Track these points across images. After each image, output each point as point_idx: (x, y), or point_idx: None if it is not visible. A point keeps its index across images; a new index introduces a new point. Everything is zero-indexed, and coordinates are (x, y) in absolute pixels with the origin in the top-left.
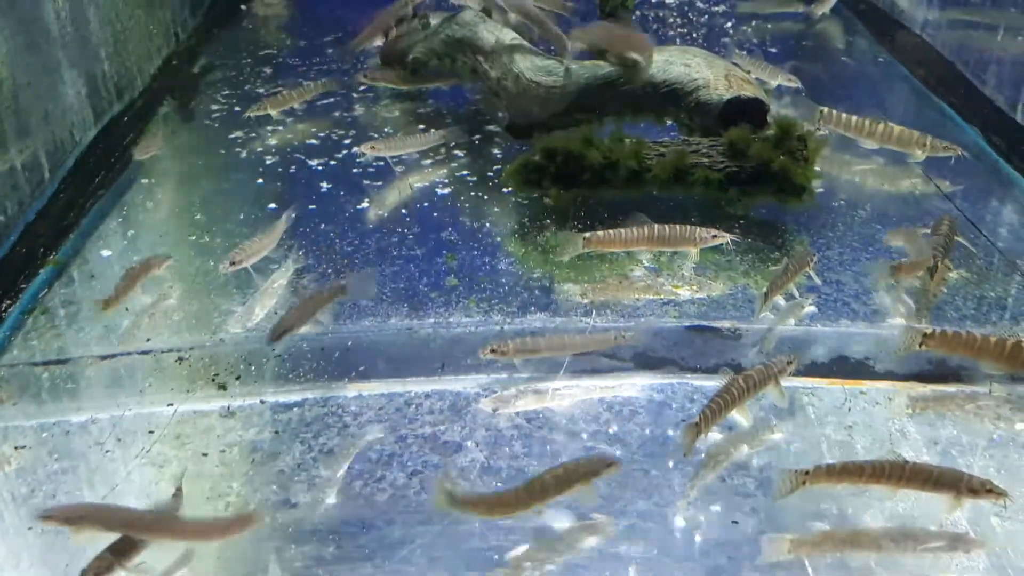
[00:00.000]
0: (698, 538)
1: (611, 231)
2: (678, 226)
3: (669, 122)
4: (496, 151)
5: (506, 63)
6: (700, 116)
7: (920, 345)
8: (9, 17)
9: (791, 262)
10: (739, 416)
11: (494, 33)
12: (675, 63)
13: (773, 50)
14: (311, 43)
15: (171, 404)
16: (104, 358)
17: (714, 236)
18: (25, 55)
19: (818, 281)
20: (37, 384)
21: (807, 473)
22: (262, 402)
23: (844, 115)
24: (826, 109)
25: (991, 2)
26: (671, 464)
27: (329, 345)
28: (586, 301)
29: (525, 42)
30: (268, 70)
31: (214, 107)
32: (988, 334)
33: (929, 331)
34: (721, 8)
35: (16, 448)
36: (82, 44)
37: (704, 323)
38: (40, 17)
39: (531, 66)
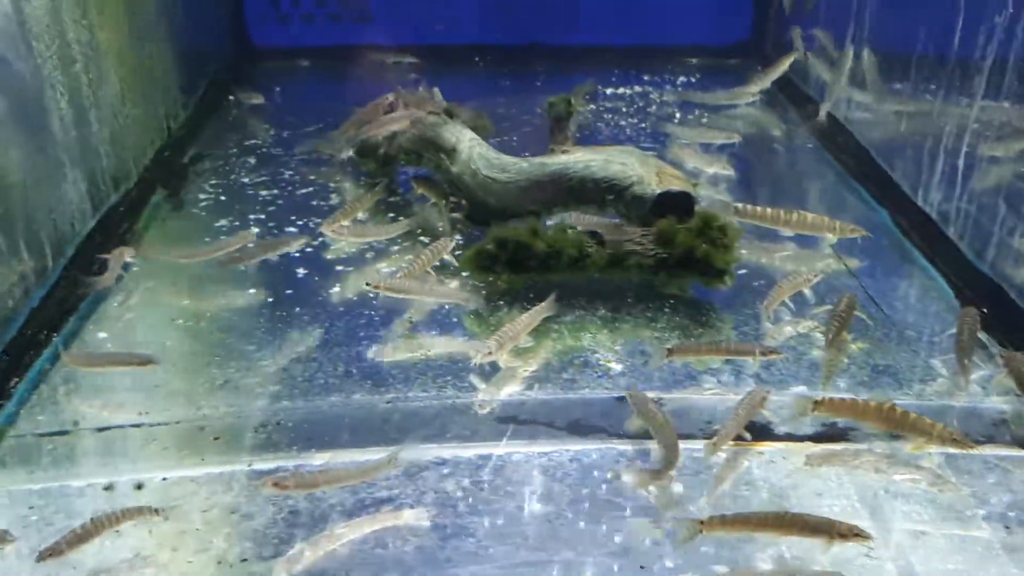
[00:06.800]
0: None
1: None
2: None
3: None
4: (459, 237)
5: (465, 160)
6: (636, 208)
7: (812, 411)
8: (21, 127)
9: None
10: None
11: (455, 134)
12: (613, 162)
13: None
14: (294, 133)
15: (161, 471)
16: (101, 430)
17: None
18: (34, 159)
19: None
20: (41, 453)
21: (703, 522)
22: (242, 470)
23: (759, 208)
24: (740, 204)
25: (895, 93)
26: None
27: (299, 419)
28: (527, 373)
29: (482, 141)
30: (252, 160)
31: (202, 196)
32: (869, 399)
33: (819, 398)
34: (670, 98)
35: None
36: (83, 144)
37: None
38: (46, 125)
39: (487, 164)
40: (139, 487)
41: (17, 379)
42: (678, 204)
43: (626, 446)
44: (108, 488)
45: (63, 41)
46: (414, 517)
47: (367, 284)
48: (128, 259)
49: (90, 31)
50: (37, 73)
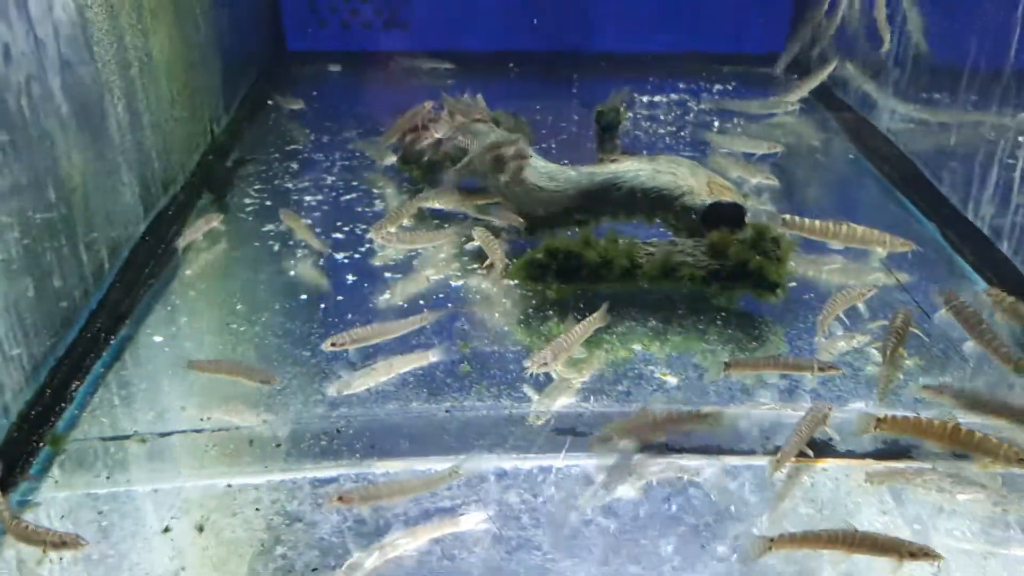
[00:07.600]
0: None
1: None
2: None
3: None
4: (504, 245)
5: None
6: (685, 219)
7: (875, 428)
8: (83, 131)
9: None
10: None
11: None
12: (663, 172)
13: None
14: (333, 138)
15: (225, 478)
16: (163, 435)
17: None
18: (94, 163)
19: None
20: (105, 457)
21: (772, 539)
22: (304, 477)
23: (807, 220)
24: (788, 216)
25: (943, 104)
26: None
27: (359, 427)
28: (581, 384)
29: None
30: (295, 165)
31: (247, 201)
32: (932, 417)
33: (882, 416)
34: (707, 106)
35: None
36: (138, 148)
37: (689, 408)
38: (105, 129)
39: (535, 172)
40: (200, 529)
41: (78, 383)
42: (727, 215)
43: (688, 460)
44: (167, 530)
45: (120, 46)
46: (472, 521)
47: (331, 344)
48: (215, 223)
49: (144, 36)
50: (97, 78)
